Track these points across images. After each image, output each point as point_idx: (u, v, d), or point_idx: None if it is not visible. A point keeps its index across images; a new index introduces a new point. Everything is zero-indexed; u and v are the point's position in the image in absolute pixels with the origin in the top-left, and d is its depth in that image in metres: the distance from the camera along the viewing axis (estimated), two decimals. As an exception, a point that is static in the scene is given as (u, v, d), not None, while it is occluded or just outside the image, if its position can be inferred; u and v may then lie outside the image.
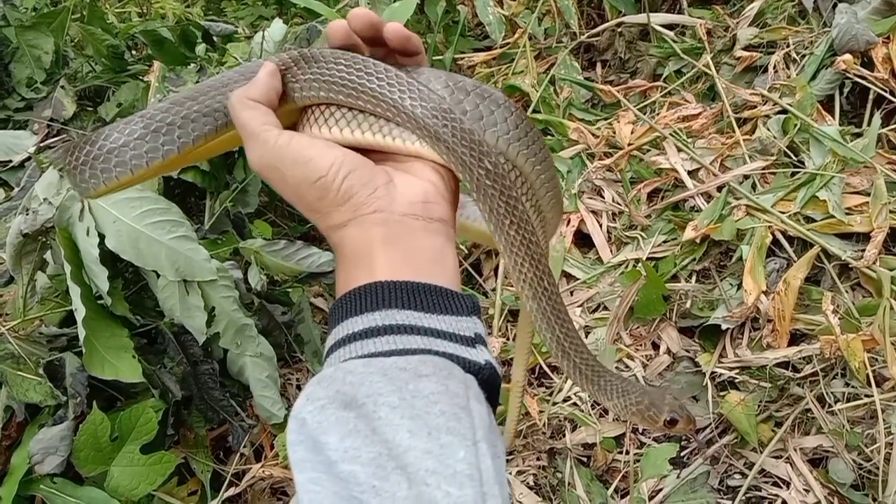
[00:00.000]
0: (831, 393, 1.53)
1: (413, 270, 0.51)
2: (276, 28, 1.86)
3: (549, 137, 2.27)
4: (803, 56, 2.16)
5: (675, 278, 1.86)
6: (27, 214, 1.33)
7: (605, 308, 1.88)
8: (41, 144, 1.99)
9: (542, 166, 0.62)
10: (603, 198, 2.09)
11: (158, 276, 1.39)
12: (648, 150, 2.14)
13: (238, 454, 1.59)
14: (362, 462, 0.39)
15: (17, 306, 1.42)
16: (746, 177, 1.95)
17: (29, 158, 1.89)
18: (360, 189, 0.53)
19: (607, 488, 1.55)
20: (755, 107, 2.11)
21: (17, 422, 1.39)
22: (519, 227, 0.55)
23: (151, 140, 0.61)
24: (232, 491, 1.55)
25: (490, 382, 0.47)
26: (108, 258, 1.33)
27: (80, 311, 1.29)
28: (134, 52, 2.66)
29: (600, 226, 2.03)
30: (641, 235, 1.97)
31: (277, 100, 0.59)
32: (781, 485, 1.50)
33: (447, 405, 0.42)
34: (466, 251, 1.99)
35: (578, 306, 1.89)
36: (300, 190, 0.54)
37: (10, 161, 1.91)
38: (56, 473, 1.32)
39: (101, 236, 1.32)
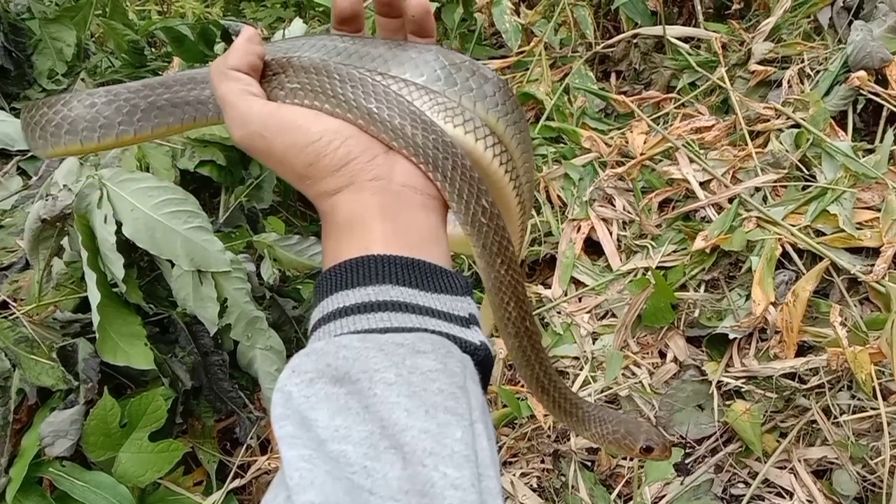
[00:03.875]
0: (837, 405, 1.53)
1: (408, 246, 0.49)
2: (297, 28, 1.89)
3: (561, 145, 2.29)
4: (818, 72, 2.17)
5: (683, 287, 1.86)
6: (46, 200, 1.35)
7: (613, 315, 1.89)
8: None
9: (525, 146, 0.62)
10: (614, 206, 2.10)
11: (173, 265, 1.41)
12: (661, 161, 2.15)
13: (244, 446, 1.60)
14: (353, 441, 0.37)
15: (33, 291, 1.44)
16: (758, 189, 1.96)
17: (48, 148, 1.92)
18: (360, 154, 0.51)
19: (610, 493, 1.55)
20: (768, 120, 2.11)
21: (29, 405, 1.40)
22: (509, 267, 0.55)
23: (110, 117, 0.59)
24: (237, 482, 1.56)
25: (483, 364, 0.46)
26: (124, 246, 1.35)
27: (95, 298, 1.31)
28: (153, 50, 2.70)
29: (611, 234, 2.04)
30: (651, 244, 1.98)
31: (261, 65, 0.55)
32: (785, 495, 1.50)
33: (445, 383, 0.40)
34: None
35: (587, 312, 1.90)
36: (288, 157, 0.51)
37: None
38: (65, 457, 1.33)
39: (119, 224, 1.34)
